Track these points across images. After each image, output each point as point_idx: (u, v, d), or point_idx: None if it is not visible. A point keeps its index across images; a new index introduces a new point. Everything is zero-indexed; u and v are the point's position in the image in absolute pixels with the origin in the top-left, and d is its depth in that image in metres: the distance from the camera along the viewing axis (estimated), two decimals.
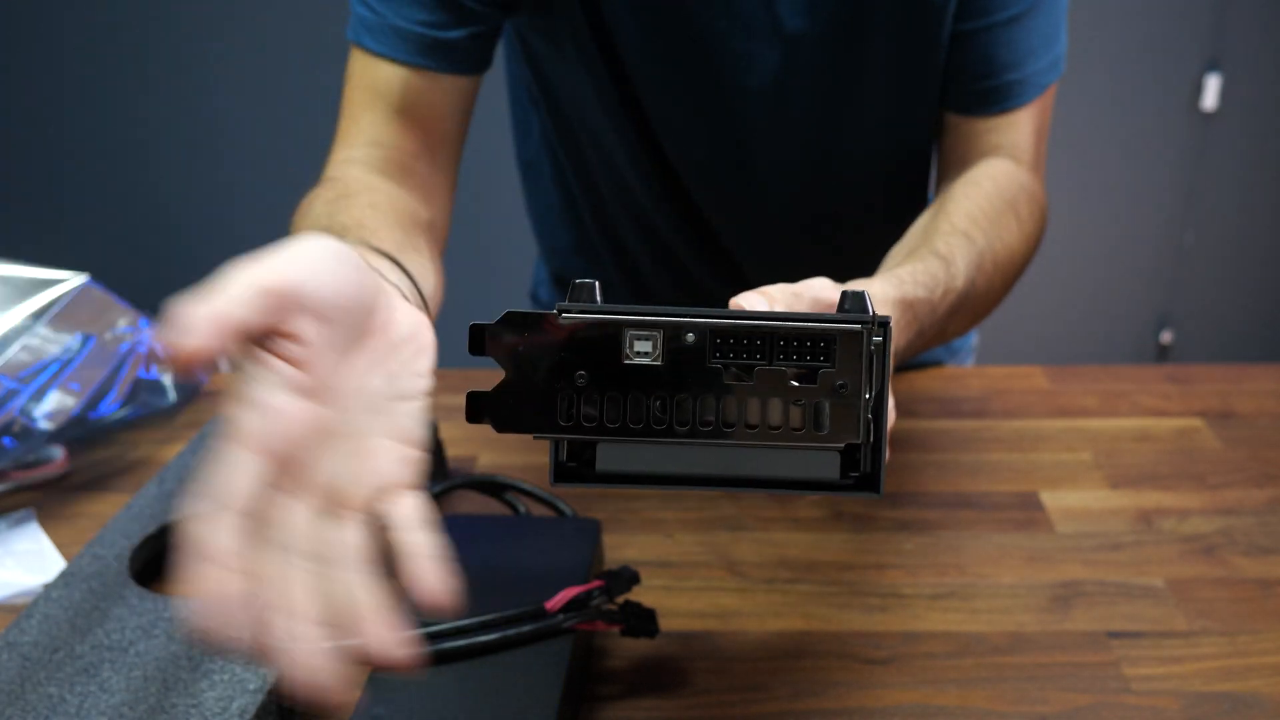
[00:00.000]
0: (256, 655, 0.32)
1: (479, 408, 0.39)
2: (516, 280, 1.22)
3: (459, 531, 0.60)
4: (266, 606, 0.33)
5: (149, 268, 2.42)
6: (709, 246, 0.88)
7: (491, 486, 0.65)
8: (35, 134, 2.32)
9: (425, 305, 0.56)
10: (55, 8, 2.20)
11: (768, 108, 0.79)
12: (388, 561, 0.36)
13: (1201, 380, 0.88)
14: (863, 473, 0.40)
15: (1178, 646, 0.58)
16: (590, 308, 0.38)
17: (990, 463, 0.77)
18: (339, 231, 0.58)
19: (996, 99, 0.77)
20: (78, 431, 0.77)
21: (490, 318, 0.39)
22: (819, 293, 0.46)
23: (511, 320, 0.38)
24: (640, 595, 0.58)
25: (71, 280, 0.80)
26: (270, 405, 0.35)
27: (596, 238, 0.93)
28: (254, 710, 0.49)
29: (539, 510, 0.66)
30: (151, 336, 0.82)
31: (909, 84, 0.79)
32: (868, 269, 0.62)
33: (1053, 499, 0.72)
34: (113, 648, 0.53)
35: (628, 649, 0.58)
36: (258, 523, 0.34)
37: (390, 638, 0.34)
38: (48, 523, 0.71)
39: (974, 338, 1.06)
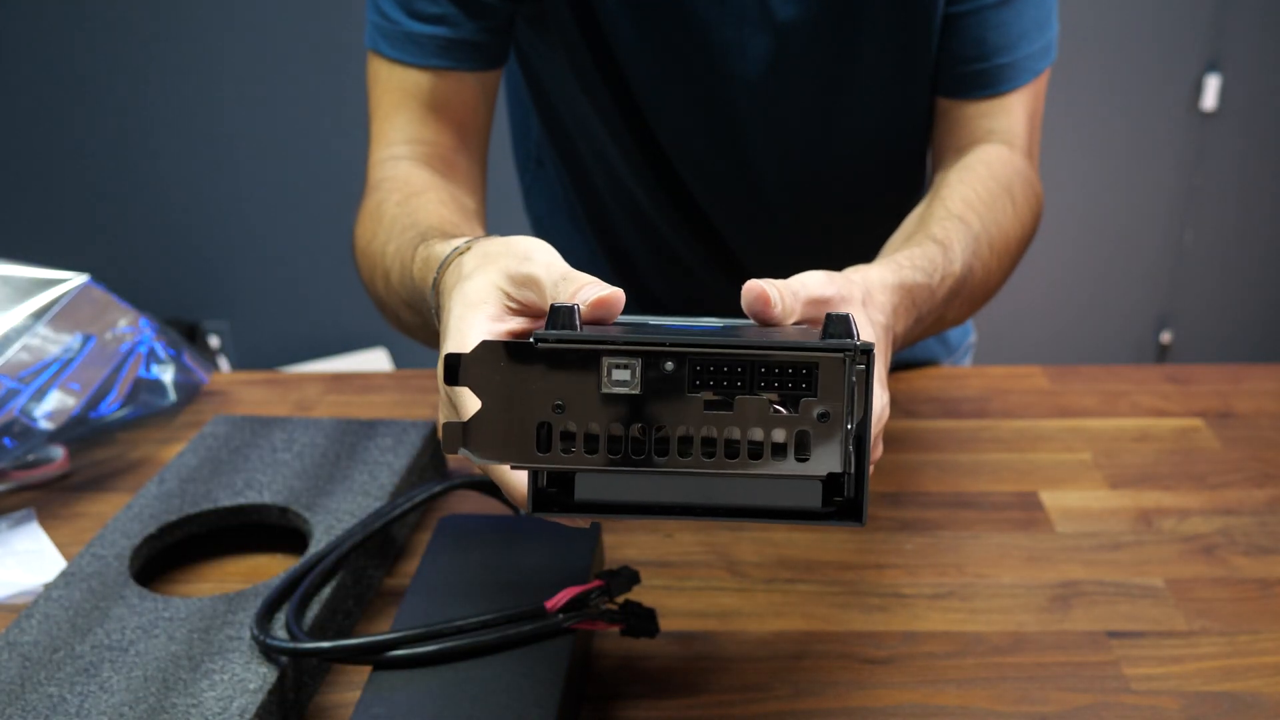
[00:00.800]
0: None
1: (457, 440, 0.38)
2: None
3: (459, 531, 0.60)
4: None
5: (149, 268, 2.42)
6: (705, 238, 0.88)
7: (491, 486, 0.65)
8: (35, 134, 2.32)
9: None
10: (55, 8, 2.20)
11: (761, 96, 0.79)
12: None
13: (1201, 380, 0.88)
14: (846, 501, 0.39)
15: (1178, 646, 0.58)
16: (566, 336, 0.37)
17: (990, 463, 0.77)
18: (426, 232, 0.61)
19: (988, 82, 0.77)
20: (78, 431, 0.77)
21: None
22: (814, 290, 0.46)
23: (487, 349, 0.37)
24: (640, 595, 0.58)
25: (71, 280, 0.80)
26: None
27: (593, 236, 0.93)
28: (254, 710, 0.49)
29: None
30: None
31: (902, 70, 0.79)
32: (866, 256, 0.62)
33: (1053, 499, 0.72)
34: (113, 648, 0.53)
35: (628, 649, 0.58)
36: None
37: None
38: (48, 523, 0.71)
39: (972, 336, 1.06)
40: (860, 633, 0.60)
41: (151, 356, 0.83)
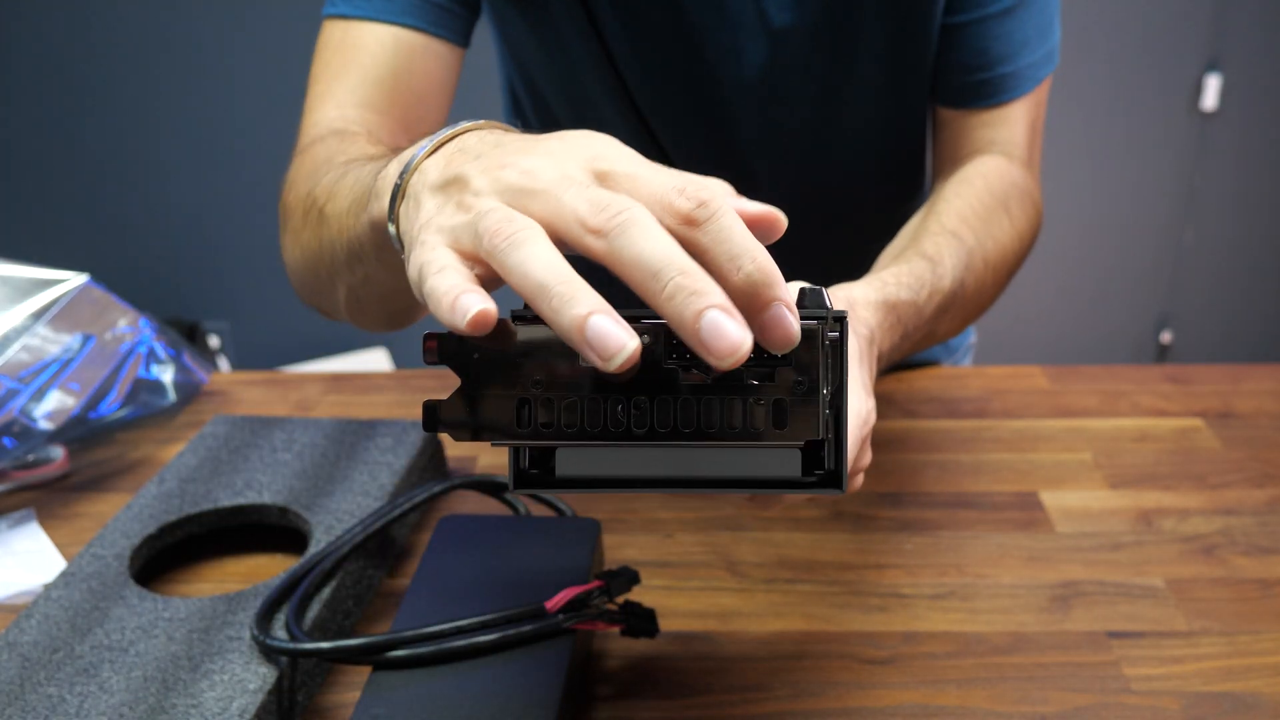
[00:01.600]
0: None
1: (435, 417, 0.38)
2: None
3: (459, 531, 0.60)
4: None
5: (149, 268, 2.42)
6: None
7: (491, 486, 0.65)
8: (35, 134, 2.32)
9: None
10: (55, 8, 2.20)
11: (758, 102, 0.79)
12: None
13: (1201, 380, 0.88)
14: (826, 470, 0.40)
15: (1178, 646, 0.58)
16: None
17: (990, 463, 0.77)
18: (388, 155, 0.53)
19: (989, 92, 0.77)
20: (78, 431, 0.77)
21: None
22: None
23: None
24: (640, 595, 0.58)
25: (71, 280, 0.80)
26: None
27: None
28: (254, 710, 0.49)
29: (539, 510, 0.66)
30: None
31: (899, 77, 0.79)
32: (862, 260, 0.62)
33: (1053, 499, 0.72)
34: (113, 648, 0.53)
35: (628, 649, 0.58)
36: None
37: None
38: (48, 523, 0.71)
39: (972, 336, 1.06)
40: (860, 633, 0.60)
41: (151, 356, 0.83)
